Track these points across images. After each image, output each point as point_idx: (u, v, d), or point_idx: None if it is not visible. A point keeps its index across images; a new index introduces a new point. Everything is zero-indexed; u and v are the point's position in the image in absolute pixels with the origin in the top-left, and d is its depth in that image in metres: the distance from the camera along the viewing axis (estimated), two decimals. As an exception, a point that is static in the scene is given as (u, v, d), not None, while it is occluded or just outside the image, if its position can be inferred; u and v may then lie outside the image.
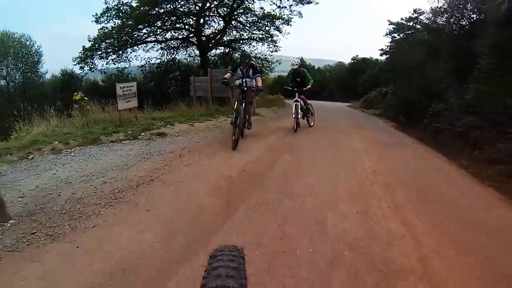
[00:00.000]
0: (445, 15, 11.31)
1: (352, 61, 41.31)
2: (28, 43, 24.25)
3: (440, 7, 11.36)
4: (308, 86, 8.42)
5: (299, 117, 8.18)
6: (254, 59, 21.13)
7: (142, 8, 18.08)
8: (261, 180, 4.21)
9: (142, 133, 6.94)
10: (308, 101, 8.80)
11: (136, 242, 2.62)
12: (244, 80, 6.87)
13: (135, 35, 19.72)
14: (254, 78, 6.87)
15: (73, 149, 5.49)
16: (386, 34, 18.84)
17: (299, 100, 8.20)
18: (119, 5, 18.42)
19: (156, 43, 20.91)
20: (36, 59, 24.45)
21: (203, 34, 20.92)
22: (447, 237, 2.83)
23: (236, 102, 6.45)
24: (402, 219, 3.13)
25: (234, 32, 21.96)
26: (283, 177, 4.40)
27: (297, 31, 25.26)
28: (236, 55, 22.33)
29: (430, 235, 2.83)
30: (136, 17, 18.07)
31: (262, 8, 20.49)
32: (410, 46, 13.68)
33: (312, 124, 9.00)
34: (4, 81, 22.14)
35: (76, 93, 8.24)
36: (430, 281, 2.18)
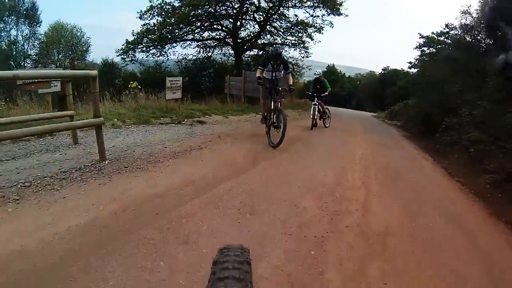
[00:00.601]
0: (473, 33, 11.85)
1: (383, 72, 41.78)
2: (78, 34, 27.35)
3: (467, 24, 12.14)
4: (326, 93, 10.13)
5: (316, 118, 9.89)
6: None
7: (184, 8, 20.03)
8: (279, 154, 6.02)
9: (185, 120, 8.73)
10: (325, 106, 10.51)
11: (197, 172, 4.43)
12: (274, 74, 7.11)
13: (175, 33, 21.53)
14: (285, 74, 7.21)
15: (130, 126, 7.26)
16: (416, 47, 19.26)
17: (317, 103, 9.90)
18: (163, 4, 20.35)
19: (193, 41, 22.64)
20: (85, 49, 27.40)
21: (239, 36, 22.57)
22: (391, 194, 4.48)
23: (273, 103, 6.72)
24: (364, 181, 4.83)
25: (268, 36, 23.52)
26: (293, 154, 6.23)
27: (329, 36, 26.52)
28: (269, 58, 23.75)
29: (379, 191, 4.50)
30: (180, 17, 19.99)
31: (296, 15, 22.05)
32: (435, 61, 14.86)
33: (327, 125, 10.67)
34: (54, 65, 24.85)
35: (132, 82, 10.25)
36: (366, 207, 3.83)
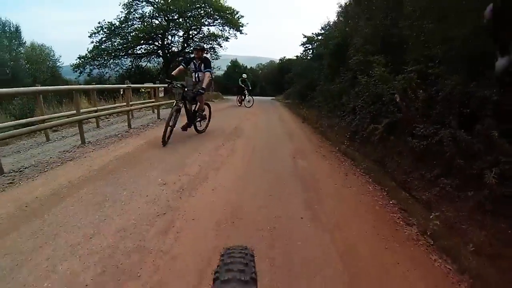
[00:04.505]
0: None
1: (280, 61, 53.37)
2: (51, 53, 38.58)
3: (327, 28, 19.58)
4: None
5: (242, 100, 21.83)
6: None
7: (136, 33, 30.12)
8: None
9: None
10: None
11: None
12: (196, 74, 8.19)
13: (121, 48, 31.74)
14: (204, 73, 8.03)
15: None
16: (301, 45, 24.59)
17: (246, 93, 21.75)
18: (110, 26, 30.43)
19: (129, 55, 33.21)
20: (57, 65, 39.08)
21: (166, 47, 33.30)
22: (262, 115, 17.09)
23: (175, 102, 7.98)
24: (254, 112, 17.43)
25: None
26: (223, 113, 18.31)
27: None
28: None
29: (259, 113, 17.23)
30: (133, 38, 30.40)
31: (208, 29, 34.49)
32: (307, 56, 23.51)
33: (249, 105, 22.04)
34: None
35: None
36: (255, 114, 16.25)
